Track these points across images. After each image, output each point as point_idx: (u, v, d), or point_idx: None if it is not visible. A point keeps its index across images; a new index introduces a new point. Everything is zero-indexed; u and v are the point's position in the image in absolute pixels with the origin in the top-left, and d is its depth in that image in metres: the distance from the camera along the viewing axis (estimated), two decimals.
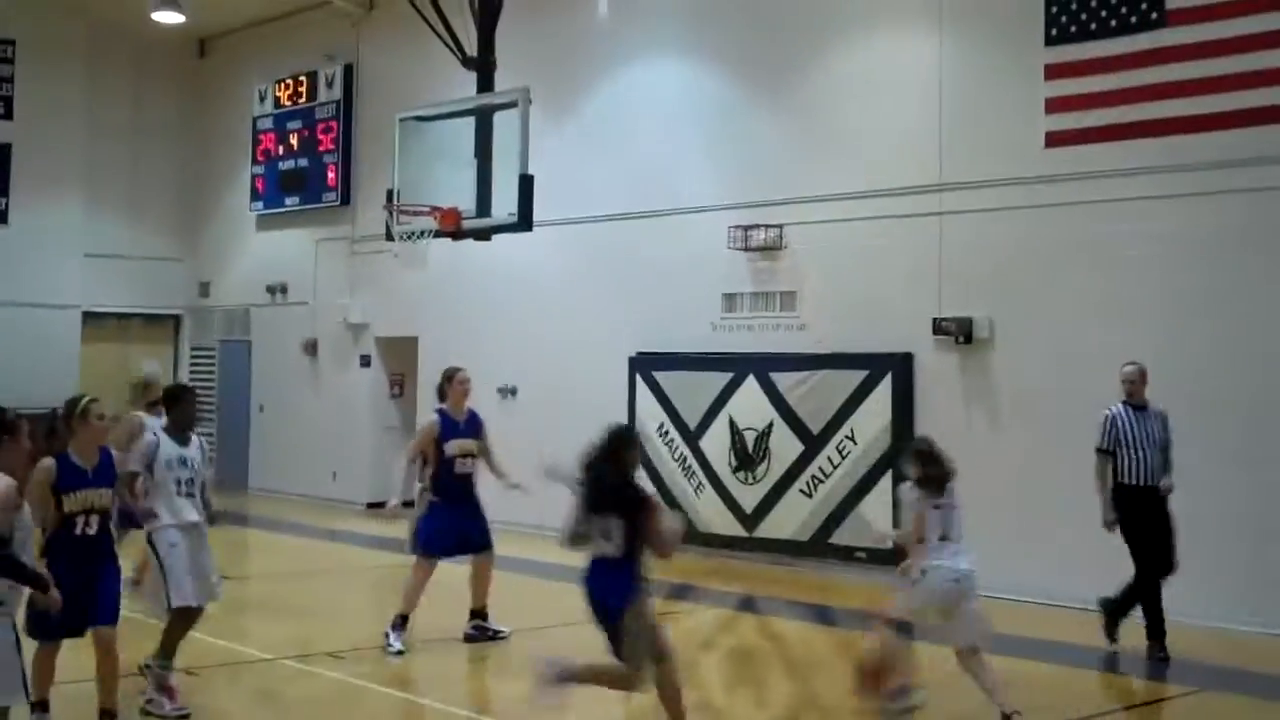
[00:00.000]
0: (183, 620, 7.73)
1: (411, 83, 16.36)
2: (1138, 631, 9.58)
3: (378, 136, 16.51)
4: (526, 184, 11.11)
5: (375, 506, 17.50)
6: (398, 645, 9.28)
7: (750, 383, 13.79)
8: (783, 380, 13.53)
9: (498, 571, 10.00)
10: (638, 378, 14.90)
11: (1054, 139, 11.73)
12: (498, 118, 11.57)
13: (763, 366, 13.70)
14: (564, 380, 15.63)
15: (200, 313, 22.29)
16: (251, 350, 21.18)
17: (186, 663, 8.03)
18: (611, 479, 6.76)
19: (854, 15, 13.39)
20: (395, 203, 12.05)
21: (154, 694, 7.57)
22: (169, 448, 7.80)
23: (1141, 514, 9.41)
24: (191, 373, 21.69)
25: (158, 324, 22.31)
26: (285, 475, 19.96)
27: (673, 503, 13.45)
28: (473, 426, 9.85)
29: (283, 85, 20.32)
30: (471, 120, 11.78)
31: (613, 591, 6.59)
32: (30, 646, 6.40)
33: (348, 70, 19.31)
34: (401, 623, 9.42)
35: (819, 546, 13.11)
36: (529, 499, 9.45)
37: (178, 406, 8.05)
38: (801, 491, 13.33)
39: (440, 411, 9.81)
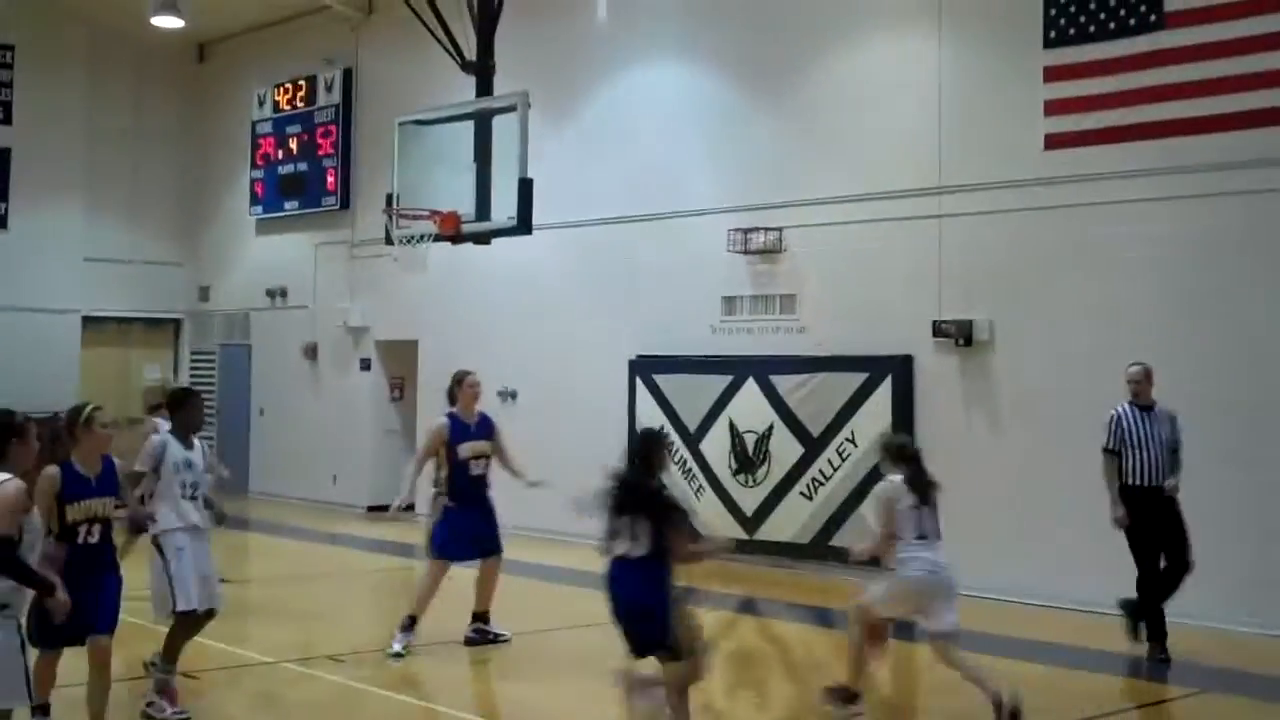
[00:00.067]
0: (186, 625, 7.72)
1: (411, 87, 16.36)
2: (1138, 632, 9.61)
3: (377, 140, 16.52)
4: (526, 187, 11.11)
5: (376, 510, 17.57)
6: (396, 647, 9.28)
7: (750, 385, 13.80)
8: (783, 383, 13.54)
9: (502, 575, 10.00)
10: (638, 381, 14.91)
11: (1053, 141, 11.74)
12: (497, 121, 11.58)
13: (763, 369, 13.71)
14: (564, 383, 15.65)
15: (200, 317, 22.30)
16: (251, 354, 21.20)
17: (187, 666, 8.02)
18: (642, 481, 6.85)
19: (853, 18, 13.41)
20: (395, 206, 12.05)
21: (155, 697, 7.57)
22: (176, 450, 7.79)
23: (1145, 515, 9.41)
24: (192, 377, 21.66)
25: (158, 328, 22.32)
26: (285, 479, 19.97)
27: None
28: (485, 428, 9.85)
29: (282, 90, 20.34)
30: (471, 124, 11.79)
31: (642, 591, 6.62)
32: (31, 654, 6.39)
33: (347, 74, 19.33)
34: (410, 624, 9.43)
35: (819, 549, 13.11)
36: (544, 501, 9.48)
37: (184, 410, 8.04)
38: (802, 494, 13.34)
39: (450, 415, 9.81)
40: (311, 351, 19.85)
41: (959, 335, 12.21)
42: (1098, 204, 11.45)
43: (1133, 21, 11.27)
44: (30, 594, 5.87)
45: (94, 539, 6.81)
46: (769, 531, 13.54)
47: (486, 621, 9.87)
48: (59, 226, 20.47)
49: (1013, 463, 11.81)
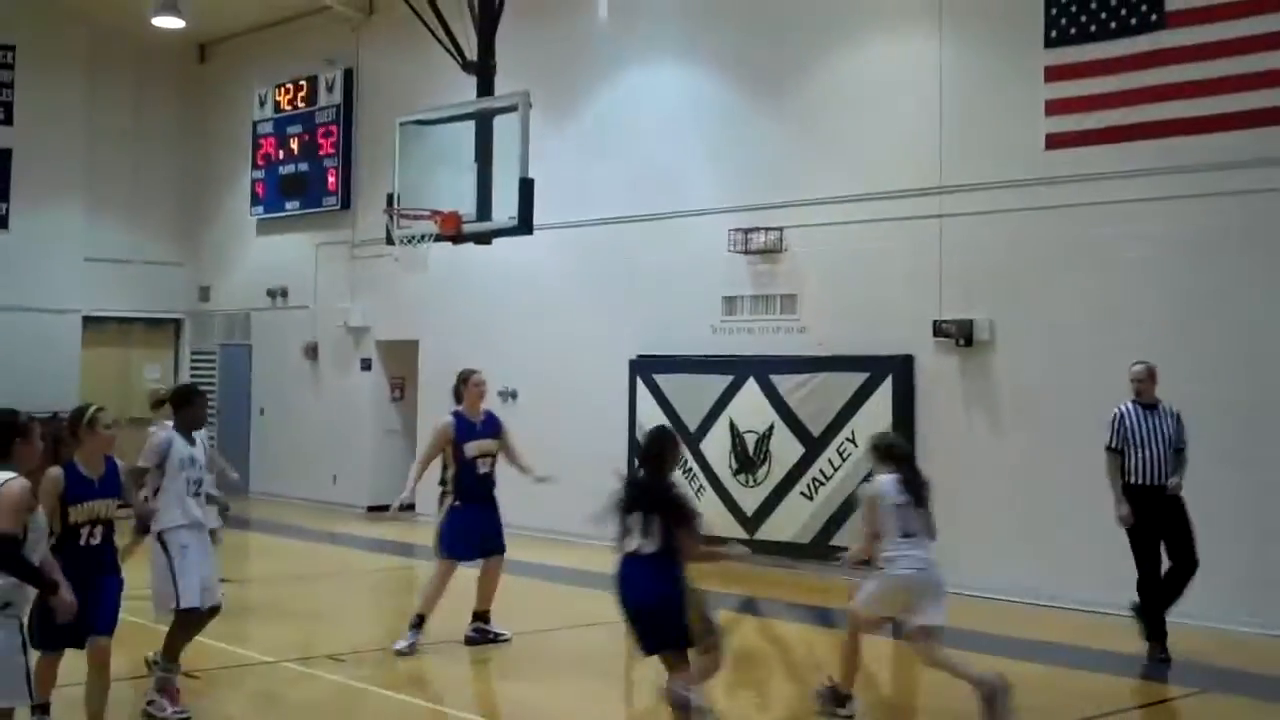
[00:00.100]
0: (188, 623, 7.73)
1: (411, 87, 16.37)
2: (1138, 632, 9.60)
3: (378, 141, 16.53)
4: (527, 187, 11.12)
5: (376, 510, 17.57)
6: (401, 645, 9.31)
7: (751, 385, 13.81)
8: (783, 383, 13.54)
9: (504, 575, 10.01)
10: (638, 380, 14.91)
11: (1054, 141, 11.74)
12: (498, 121, 11.58)
13: (763, 369, 13.71)
14: (565, 383, 15.65)
15: (201, 317, 22.31)
16: (252, 354, 21.20)
17: (188, 666, 8.02)
18: (654, 479, 6.87)
19: (854, 18, 13.41)
20: (396, 207, 12.05)
21: (156, 696, 7.58)
22: (181, 446, 7.80)
23: (1147, 514, 9.40)
24: (192, 377, 21.58)
25: (158, 328, 22.33)
26: (286, 479, 19.96)
27: None
28: (491, 427, 9.87)
29: (283, 90, 20.35)
30: (472, 124, 11.79)
31: (653, 588, 6.62)
32: (32, 654, 6.39)
33: (348, 74, 19.33)
34: (419, 623, 9.45)
35: (820, 549, 13.10)
36: (544, 501, 9.48)
37: (188, 408, 8.04)
38: (802, 494, 13.35)
39: (456, 414, 9.81)
40: (312, 351, 19.85)
41: (959, 335, 12.22)
42: (1098, 204, 11.45)
43: (1134, 21, 11.27)
44: (33, 593, 5.87)
45: (96, 540, 6.81)
46: (769, 531, 13.54)
47: (487, 621, 9.87)
48: (60, 226, 20.47)
49: (1013, 463, 11.81)
